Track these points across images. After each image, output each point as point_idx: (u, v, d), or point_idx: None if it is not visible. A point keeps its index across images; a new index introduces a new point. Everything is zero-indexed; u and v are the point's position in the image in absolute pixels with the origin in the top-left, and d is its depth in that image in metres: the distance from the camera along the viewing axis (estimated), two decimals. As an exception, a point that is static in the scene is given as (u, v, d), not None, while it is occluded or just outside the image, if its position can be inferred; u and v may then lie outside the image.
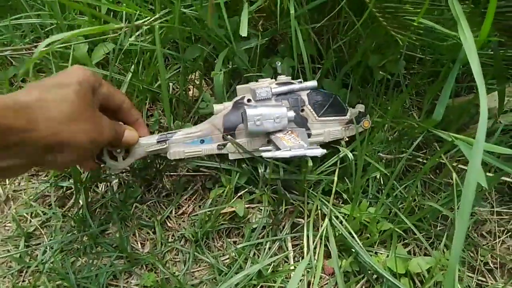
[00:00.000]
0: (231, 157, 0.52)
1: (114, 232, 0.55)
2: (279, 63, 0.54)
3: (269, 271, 0.50)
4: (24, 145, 0.34)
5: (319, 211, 0.54)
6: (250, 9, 0.52)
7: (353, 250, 0.50)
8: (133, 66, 0.57)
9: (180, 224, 0.56)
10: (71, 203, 0.58)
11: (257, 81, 0.53)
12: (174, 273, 0.51)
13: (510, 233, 0.57)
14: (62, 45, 0.55)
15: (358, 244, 0.49)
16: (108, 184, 0.58)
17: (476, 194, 0.53)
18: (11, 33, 0.67)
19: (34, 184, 0.60)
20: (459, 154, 0.54)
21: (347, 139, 0.55)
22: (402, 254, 0.51)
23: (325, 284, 0.51)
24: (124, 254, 0.53)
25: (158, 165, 0.58)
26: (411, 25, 0.43)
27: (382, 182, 0.56)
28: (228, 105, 0.51)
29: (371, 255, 0.50)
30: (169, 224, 0.56)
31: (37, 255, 0.53)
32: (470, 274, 0.53)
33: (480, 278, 0.53)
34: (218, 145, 0.51)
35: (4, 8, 0.74)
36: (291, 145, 0.46)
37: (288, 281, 0.49)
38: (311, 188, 0.55)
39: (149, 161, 0.58)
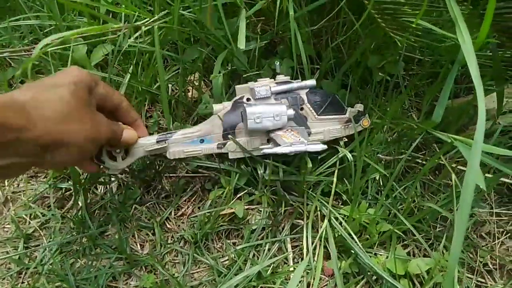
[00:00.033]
0: (230, 156, 0.52)
1: (113, 233, 0.55)
2: (278, 63, 0.54)
3: (268, 272, 0.50)
4: (21, 143, 0.34)
5: (319, 212, 0.54)
6: (248, 14, 0.52)
7: (353, 251, 0.50)
8: (132, 68, 0.57)
9: (179, 225, 0.56)
10: (70, 205, 0.58)
11: (256, 81, 0.53)
12: (174, 274, 0.51)
13: (509, 234, 0.57)
14: (61, 47, 0.55)
15: (358, 245, 0.49)
16: (107, 185, 0.58)
17: (475, 195, 0.53)
18: (10, 34, 0.67)
19: (33, 185, 0.60)
20: (459, 155, 0.54)
21: (345, 139, 0.55)
22: (402, 255, 0.51)
23: (324, 285, 0.51)
24: (124, 256, 0.53)
25: (157, 167, 0.58)
26: (410, 27, 0.43)
27: (381, 183, 0.56)
28: (228, 104, 0.51)
29: (370, 256, 0.50)
30: (168, 226, 0.56)
31: (36, 257, 0.53)
32: (469, 275, 0.53)
33: (479, 279, 0.53)
34: (218, 144, 0.51)
35: (3, 9, 0.74)
36: (291, 142, 0.46)
37: (287, 282, 0.49)
38: (311, 189, 0.55)
39: (148, 162, 0.58)
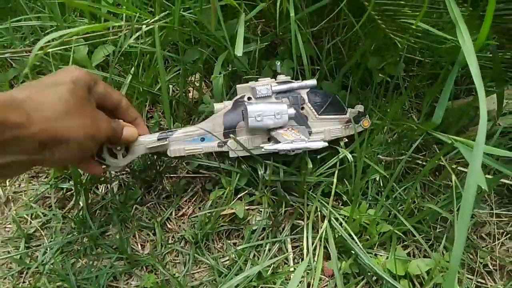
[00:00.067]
0: (231, 154, 0.52)
1: (114, 233, 0.55)
2: (279, 63, 0.54)
3: (269, 272, 0.51)
4: (20, 141, 0.34)
5: (319, 213, 0.54)
6: (248, 16, 0.52)
7: (353, 252, 0.50)
8: (133, 68, 0.57)
9: (180, 225, 0.57)
10: (71, 205, 0.58)
11: (257, 80, 0.53)
12: (174, 274, 0.52)
13: (509, 235, 0.57)
14: (62, 47, 0.55)
15: (358, 246, 0.49)
16: (108, 185, 0.58)
17: (476, 196, 0.53)
18: (11, 35, 0.67)
19: (34, 185, 0.60)
20: (459, 156, 0.54)
21: (346, 139, 0.55)
22: (402, 256, 0.51)
23: (324, 286, 0.51)
24: (124, 256, 0.53)
25: (158, 167, 0.59)
26: (410, 28, 0.43)
27: (381, 184, 0.56)
28: (229, 103, 0.52)
29: (370, 257, 0.50)
30: (169, 226, 0.56)
31: (37, 257, 0.54)
32: (469, 276, 0.53)
33: (479, 280, 0.53)
34: (218, 143, 0.51)
35: (4, 10, 0.74)
36: (292, 139, 0.47)
37: (288, 283, 0.49)
38: (311, 190, 0.55)
39: (149, 163, 0.58)
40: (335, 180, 0.53)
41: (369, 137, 0.54)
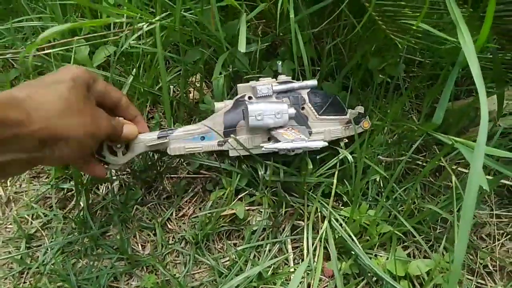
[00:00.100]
0: (231, 154, 0.52)
1: (115, 234, 0.55)
2: (280, 63, 0.54)
3: (269, 273, 0.51)
4: (19, 139, 0.34)
5: (319, 214, 0.54)
6: (249, 17, 0.52)
7: (353, 252, 0.50)
8: (134, 69, 0.57)
9: (180, 226, 0.57)
10: (72, 205, 0.58)
11: (257, 80, 0.53)
12: (175, 275, 0.52)
13: (509, 236, 0.57)
14: (63, 48, 0.56)
15: (358, 246, 0.49)
16: (109, 186, 0.58)
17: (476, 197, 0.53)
18: (13, 35, 0.67)
19: (35, 186, 0.60)
20: (459, 157, 0.55)
21: (346, 140, 0.55)
22: (402, 256, 0.51)
23: (324, 286, 0.51)
24: (125, 256, 0.53)
25: (158, 167, 0.59)
26: (410, 29, 0.43)
27: (381, 185, 0.56)
28: (229, 103, 0.52)
29: (370, 258, 0.50)
30: (169, 226, 0.56)
31: (38, 257, 0.54)
32: (469, 277, 0.53)
33: (479, 280, 0.53)
34: (218, 142, 0.51)
35: (5, 11, 0.75)
36: (292, 139, 0.47)
37: (288, 283, 0.50)
38: (311, 191, 0.55)
39: (150, 163, 0.58)
40: (335, 181, 0.53)
41: (369, 138, 0.54)
